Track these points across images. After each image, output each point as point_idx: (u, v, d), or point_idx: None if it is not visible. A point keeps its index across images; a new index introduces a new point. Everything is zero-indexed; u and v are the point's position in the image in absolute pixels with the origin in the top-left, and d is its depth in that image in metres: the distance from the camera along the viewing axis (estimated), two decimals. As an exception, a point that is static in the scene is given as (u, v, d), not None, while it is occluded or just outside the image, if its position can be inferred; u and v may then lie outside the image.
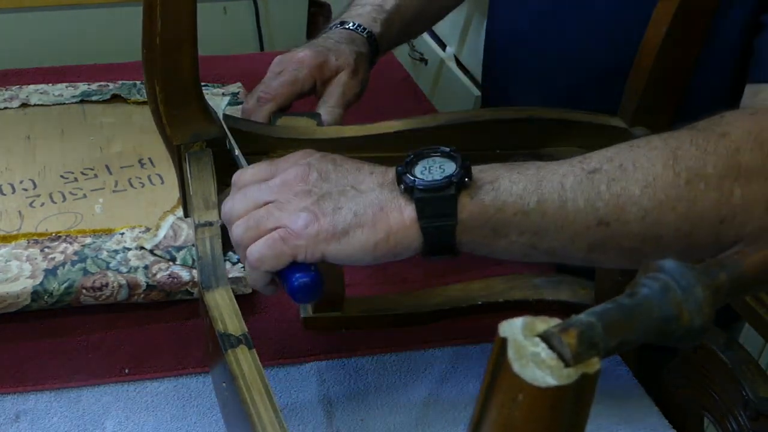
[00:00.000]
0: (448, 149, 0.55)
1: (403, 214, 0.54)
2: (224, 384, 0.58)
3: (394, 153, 0.82)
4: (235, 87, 1.13)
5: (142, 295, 0.81)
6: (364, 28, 0.92)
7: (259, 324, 0.82)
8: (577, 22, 0.89)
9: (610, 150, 0.54)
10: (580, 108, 0.76)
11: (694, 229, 0.51)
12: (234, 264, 0.83)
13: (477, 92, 2.08)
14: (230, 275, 0.82)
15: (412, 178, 0.54)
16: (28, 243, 0.83)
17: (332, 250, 0.55)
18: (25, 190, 0.91)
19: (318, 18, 2.15)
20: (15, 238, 0.84)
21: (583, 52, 0.88)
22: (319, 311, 0.81)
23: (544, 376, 0.28)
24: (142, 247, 0.83)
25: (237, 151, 0.67)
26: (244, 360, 0.54)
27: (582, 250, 0.54)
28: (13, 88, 1.10)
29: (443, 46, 2.19)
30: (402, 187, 0.54)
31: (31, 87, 1.10)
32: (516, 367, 0.29)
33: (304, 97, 0.87)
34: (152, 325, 0.81)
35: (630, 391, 0.78)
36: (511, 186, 0.53)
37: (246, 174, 0.61)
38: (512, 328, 0.30)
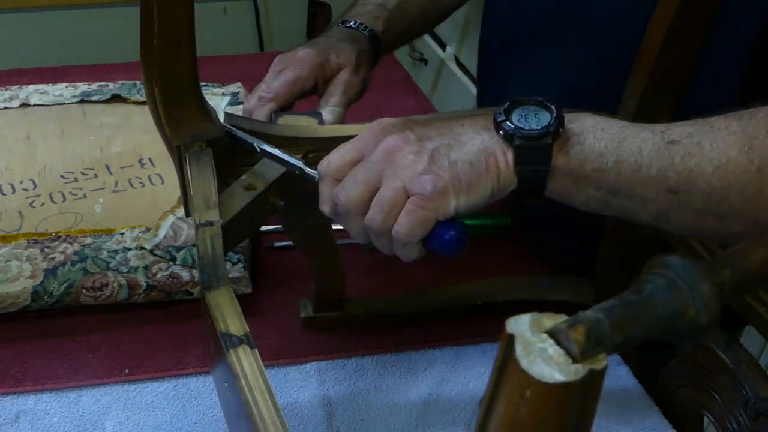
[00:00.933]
0: (541, 98, 0.58)
1: (507, 157, 0.56)
2: (226, 384, 0.58)
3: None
4: (235, 87, 1.13)
5: (142, 295, 0.81)
6: (366, 26, 0.92)
7: (259, 324, 0.82)
8: (576, 23, 0.89)
9: (691, 125, 0.56)
10: (580, 108, 0.76)
11: (759, 213, 0.53)
12: (234, 264, 0.83)
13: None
14: (230, 275, 0.82)
15: (512, 125, 0.56)
16: (28, 243, 0.83)
17: (462, 203, 0.57)
18: (25, 190, 0.91)
19: (318, 18, 2.15)
20: (15, 238, 0.84)
21: (582, 52, 0.88)
22: (319, 311, 0.81)
23: (552, 372, 0.28)
24: (142, 247, 0.83)
25: (273, 150, 0.66)
26: (246, 360, 0.54)
27: (651, 214, 0.56)
28: (13, 88, 1.10)
29: (443, 46, 2.19)
30: (501, 133, 0.57)
31: (31, 87, 1.10)
32: (524, 363, 0.29)
33: (307, 96, 0.86)
34: (152, 325, 0.81)
35: (630, 391, 0.78)
36: (594, 142, 0.56)
37: (334, 160, 0.60)
38: (520, 324, 0.30)
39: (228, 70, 1.21)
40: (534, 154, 0.56)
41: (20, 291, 0.78)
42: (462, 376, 0.78)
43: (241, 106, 1.06)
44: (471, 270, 0.90)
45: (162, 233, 0.85)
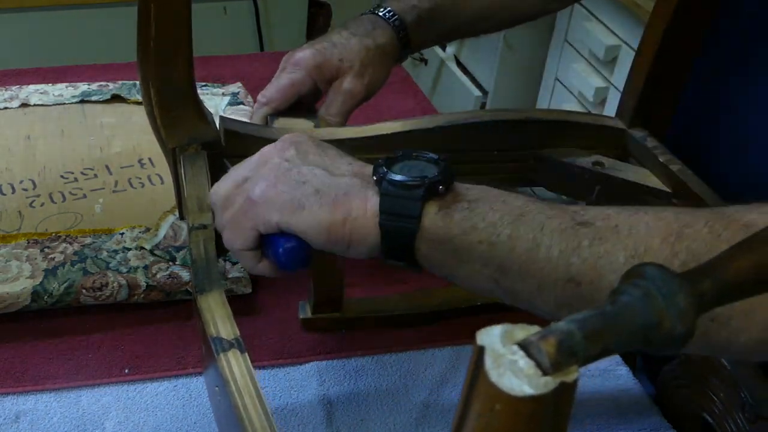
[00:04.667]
0: (436, 156, 0.53)
1: (367, 204, 0.52)
2: (217, 388, 0.58)
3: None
4: (235, 87, 1.13)
5: (142, 295, 0.81)
6: (395, 16, 0.83)
7: (259, 324, 0.82)
8: None
9: (613, 208, 0.49)
10: None
11: None
12: (234, 264, 0.83)
13: (477, 92, 2.08)
14: (230, 275, 0.82)
15: (386, 170, 0.51)
16: (28, 243, 0.83)
17: (285, 221, 0.53)
18: (25, 190, 0.91)
19: (318, 18, 2.15)
20: (15, 238, 0.84)
21: None
22: (318, 312, 0.81)
23: (521, 385, 0.28)
24: (142, 247, 0.83)
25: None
26: (236, 364, 0.54)
27: (548, 304, 0.49)
28: (13, 88, 1.10)
29: (443, 46, 2.19)
30: (374, 178, 0.52)
31: (31, 87, 1.10)
32: (493, 376, 0.28)
33: (312, 99, 0.84)
34: (152, 325, 0.81)
35: (630, 391, 0.78)
36: (488, 212, 0.49)
37: (238, 164, 0.60)
38: (490, 336, 0.30)
39: (228, 70, 1.21)
40: (400, 205, 0.50)
41: (20, 291, 0.78)
42: (462, 376, 0.78)
43: (241, 106, 1.07)
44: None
45: (162, 233, 0.85)
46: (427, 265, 0.52)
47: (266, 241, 0.56)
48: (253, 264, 0.58)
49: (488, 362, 0.28)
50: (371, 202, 0.52)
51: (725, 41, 0.78)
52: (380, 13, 0.84)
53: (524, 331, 0.30)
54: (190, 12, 0.61)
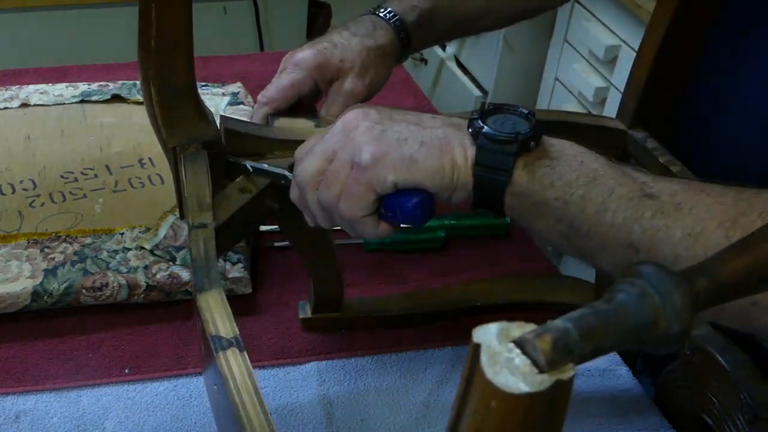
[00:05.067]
0: (527, 111, 0.55)
1: (467, 152, 0.54)
2: (215, 386, 0.58)
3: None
4: (235, 87, 1.13)
5: (142, 295, 0.81)
6: (396, 16, 0.84)
7: (259, 324, 0.82)
8: None
9: (679, 183, 0.52)
10: None
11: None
12: (234, 264, 0.83)
13: (477, 92, 2.08)
14: (230, 275, 0.82)
15: (482, 124, 0.54)
16: (28, 243, 0.83)
17: (402, 177, 0.54)
18: (25, 190, 0.91)
19: (318, 18, 2.15)
20: (15, 238, 0.84)
21: None
22: (318, 312, 0.81)
23: (517, 382, 0.28)
24: (142, 247, 0.83)
25: (260, 165, 0.66)
26: (235, 362, 0.54)
27: (609, 264, 0.52)
28: (13, 88, 1.10)
29: (443, 46, 2.19)
30: (470, 130, 0.54)
31: (31, 87, 1.10)
32: (489, 373, 0.28)
33: (312, 99, 0.84)
34: (152, 325, 0.81)
35: (630, 391, 0.78)
36: (566, 171, 0.52)
37: (309, 141, 0.60)
38: (486, 333, 0.30)
39: (228, 70, 1.21)
40: (495, 158, 0.53)
41: (20, 291, 0.78)
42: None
43: (241, 107, 1.07)
44: (471, 270, 0.90)
45: (162, 233, 0.85)
46: (511, 215, 0.55)
47: (386, 202, 0.56)
48: (373, 228, 0.58)
49: (484, 359, 0.29)
50: (470, 151, 0.54)
51: (726, 41, 0.78)
52: (381, 14, 0.84)
53: (520, 329, 0.30)
54: (191, 11, 0.61)
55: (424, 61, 2.27)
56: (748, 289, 0.34)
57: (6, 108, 1.06)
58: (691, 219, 0.48)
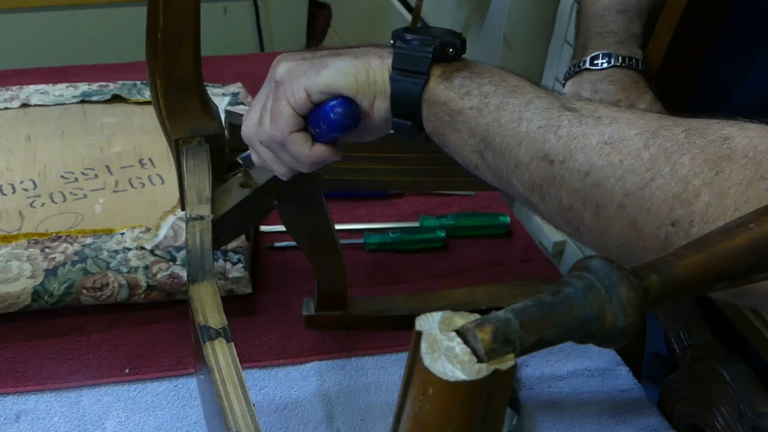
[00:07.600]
0: (454, 31, 0.55)
1: (383, 60, 0.54)
2: (202, 376, 0.59)
3: (393, 153, 0.82)
4: (235, 87, 1.13)
5: (142, 295, 0.81)
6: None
7: (259, 324, 0.82)
8: None
9: (607, 106, 0.49)
10: None
11: (638, 215, 0.44)
12: (234, 264, 0.83)
13: (477, 92, 2.08)
14: (230, 275, 0.82)
15: (402, 32, 0.54)
16: (29, 243, 0.83)
17: (312, 83, 0.54)
18: (26, 190, 0.91)
19: (318, 19, 2.14)
20: (15, 238, 0.84)
21: None
22: (321, 310, 0.81)
23: (454, 370, 0.28)
24: (142, 247, 0.83)
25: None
26: (221, 353, 0.54)
27: (524, 184, 0.50)
28: (14, 88, 1.10)
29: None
30: (391, 41, 0.54)
31: (32, 87, 1.10)
32: (427, 360, 0.29)
33: None
34: (152, 325, 0.81)
35: (630, 392, 0.78)
36: (485, 83, 0.51)
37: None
38: (429, 322, 0.30)
39: (228, 70, 1.21)
40: (410, 60, 0.53)
41: (20, 291, 0.78)
42: (462, 376, 0.78)
43: (241, 107, 1.07)
44: (471, 270, 0.90)
45: (162, 233, 0.85)
46: (429, 127, 0.54)
47: (311, 120, 0.56)
48: (307, 150, 0.57)
49: (423, 347, 0.29)
50: (387, 60, 0.54)
51: (730, 41, 0.78)
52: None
53: (463, 319, 0.30)
54: (199, 5, 0.61)
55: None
56: (702, 287, 0.33)
57: (6, 108, 1.06)
58: (610, 129, 0.46)
